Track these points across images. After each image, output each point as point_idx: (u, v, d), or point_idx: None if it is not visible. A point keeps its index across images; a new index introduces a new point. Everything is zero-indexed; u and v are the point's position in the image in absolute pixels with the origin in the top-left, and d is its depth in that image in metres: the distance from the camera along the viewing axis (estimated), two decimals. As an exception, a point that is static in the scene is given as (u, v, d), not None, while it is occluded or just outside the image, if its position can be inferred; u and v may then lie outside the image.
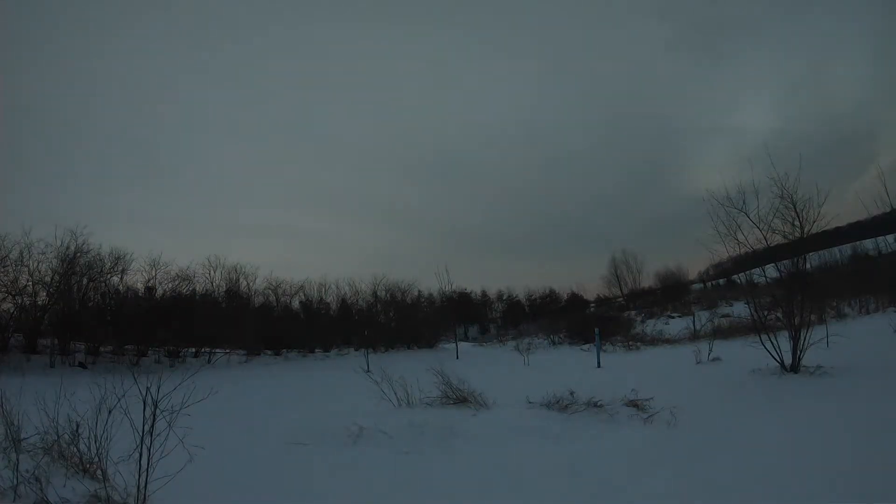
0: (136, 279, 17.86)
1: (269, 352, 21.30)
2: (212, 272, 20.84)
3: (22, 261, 14.41)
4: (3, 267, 14.05)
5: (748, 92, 56.77)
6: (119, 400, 3.69)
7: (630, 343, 19.93)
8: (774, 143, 47.37)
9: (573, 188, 57.60)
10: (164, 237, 39.01)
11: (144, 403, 3.45)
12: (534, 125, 57.59)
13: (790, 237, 8.80)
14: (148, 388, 3.47)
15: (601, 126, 57.00)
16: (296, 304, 24.75)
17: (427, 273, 54.53)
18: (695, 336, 18.52)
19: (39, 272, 14.79)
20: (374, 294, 26.15)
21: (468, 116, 57.34)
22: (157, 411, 3.47)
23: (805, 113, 52.22)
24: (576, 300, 41.14)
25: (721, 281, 37.94)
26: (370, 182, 54.30)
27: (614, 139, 57.86)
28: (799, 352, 8.23)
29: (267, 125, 50.11)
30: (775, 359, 8.40)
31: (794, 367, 8.20)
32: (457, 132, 55.37)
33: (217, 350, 18.99)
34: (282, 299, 23.81)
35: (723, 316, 22.36)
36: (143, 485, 3.28)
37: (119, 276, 17.03)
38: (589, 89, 56.57)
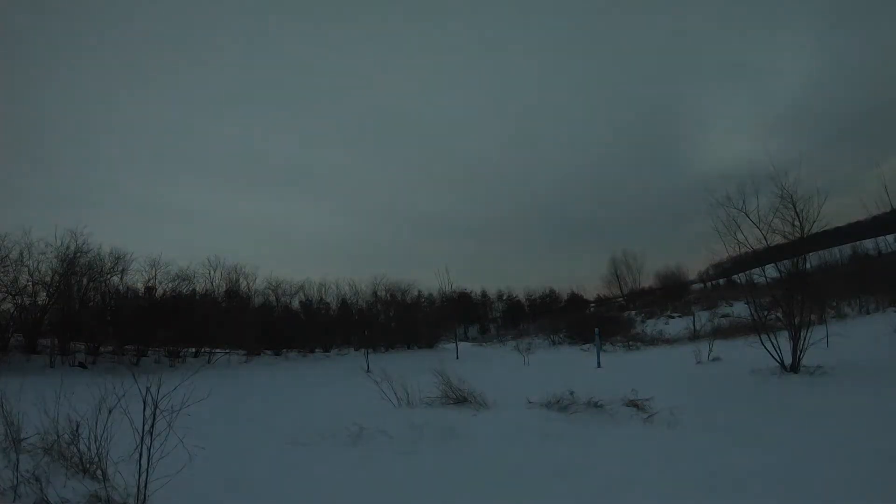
0: (136, 279, 17.98)
1: (269, 352, 21.32)
2: (212, 272, 20.96)
3: (22, 261, 14.47)
4: (3, 267, 14.07)
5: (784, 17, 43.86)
6: (119, 400, 3.69)
7: (630, 343, 19.95)
8: (808, 99, 40.74)
9: (548, 166, 52.51)
10: (164, 236, 38.97)
11: (144, 403, 3.45)
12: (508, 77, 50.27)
13: (790, 237, 8.81)
14: (148, 388, 3.47)
15: (588, 70, 48.34)
16: (296, 304, 24.84)
17: (426, 272, 54.31)
18: (695, 336, 18.52)
19: (39, 272, 14.87)
20: (374, 294, 26.25)
21: (437, 78, 52.74)
22: (157, 411, 3.47)
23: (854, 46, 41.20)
24: (576, 300, 41.25)
25: (721, 281, 37.91)
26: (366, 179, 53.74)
27: (604, 87, 48.67)
28: (799, 352, 8.22)
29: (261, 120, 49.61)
30: (775, 359, 8.40)
31: (794, 367, 8.20)
32: (417, 93, 51.38)
33: (217, 350, 19.01)
34: (282, 299, 23.90)
35: (723, 316, 22.34)
36: (143, 485, 3.28)
37: (119, 276, 17.13)
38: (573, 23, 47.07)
